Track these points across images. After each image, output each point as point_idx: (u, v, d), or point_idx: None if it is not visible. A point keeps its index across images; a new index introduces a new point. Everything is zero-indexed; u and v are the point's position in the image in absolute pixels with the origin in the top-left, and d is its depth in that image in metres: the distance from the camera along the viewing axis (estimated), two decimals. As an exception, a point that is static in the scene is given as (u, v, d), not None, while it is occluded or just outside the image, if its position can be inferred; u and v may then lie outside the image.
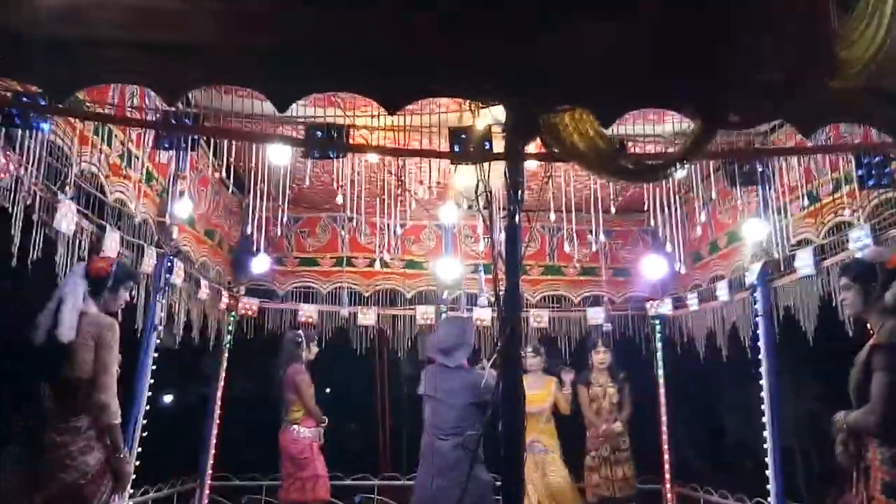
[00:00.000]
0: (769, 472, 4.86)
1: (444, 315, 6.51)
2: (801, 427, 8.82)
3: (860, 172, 3.11)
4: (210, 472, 6.13)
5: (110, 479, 3.14)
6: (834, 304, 4.28)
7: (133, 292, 4.09)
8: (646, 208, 4.93)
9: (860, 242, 3.87)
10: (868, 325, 3.10)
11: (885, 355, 2.73)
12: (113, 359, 3.17)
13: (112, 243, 3.77)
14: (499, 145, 2.75)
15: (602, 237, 5.14)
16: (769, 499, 4.85)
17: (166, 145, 3.41)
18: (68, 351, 3.07)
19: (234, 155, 4.47)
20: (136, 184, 3.96)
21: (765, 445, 4.90)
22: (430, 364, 4.84)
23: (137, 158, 3.96)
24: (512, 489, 2.43)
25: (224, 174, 4.45)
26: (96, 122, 3.38)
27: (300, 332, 5.83)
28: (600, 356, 5.93)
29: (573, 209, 5.00)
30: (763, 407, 4.94)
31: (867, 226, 3.86)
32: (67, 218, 3.37)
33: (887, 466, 2.67)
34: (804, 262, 4.44)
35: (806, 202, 4.40)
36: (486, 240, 5.72)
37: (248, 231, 4.81)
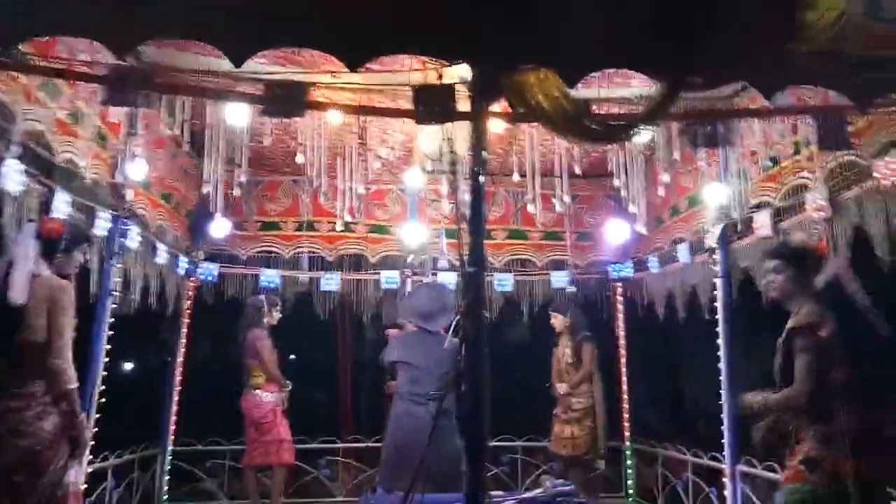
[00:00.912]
0: (724, 429, 5.02)
1: (407, 280, 6.50)
2: (755, 386, 9.14)
3: (819, 134, 3.16)
4: (172, 437, 6.08)
5: (67, 445, 3.08)
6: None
7: (87, 256, 3.96)
8: (608, 170, 4.94)
9: (816, 203, 3.96)
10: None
11: (804, 338, 2.83)
12: (67, 322, 3.09)
13: (62, 204, 3.63)
14: (464, 105, 2.70)
15: (567, 199, 5.16)
16: (724, 453, 5.02)
17: (117, 101, 3.27)
18: (20, 314, 2.98)
19: (189, 114, 4.32)
20: (87, 142, 3.80)
21: (720, 403, 5.05)
22: (399, 330, 4.84)
23: (87, 117, 3.79)
24: (476, 454, 2.46)
25: (180, 134, 4.29)
26: (42, 77, 3.22)
27: (262, 297, 5.77)
28: (556, 321, 6.07)
29: (537, 172, 4.99)
30: (720, 366, 5.08)
31: (824, 187, 3.94)
32: (13, 177, 3.23)
33: (812, 443, 2.77)
34: (762, 223, 4.52)
35: (768, 164, 4.46)
36: (451, 204, 5.69)
37: (206, 193, 4.67)
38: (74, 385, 3.09)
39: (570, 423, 5.87)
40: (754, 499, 4.82)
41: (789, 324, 2.95)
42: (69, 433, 3.08)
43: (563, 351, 6.05)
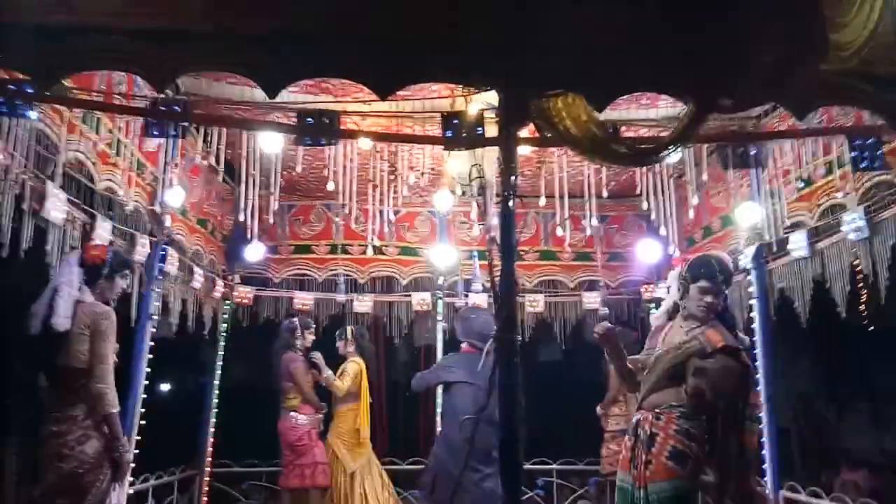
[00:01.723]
0: (765, 453, 4.90)
1: (439, 302, 6.52)
2: (796, 408, 8.91)
3: (853, 155, 3.11)
4: (210, 459, 6.14)
5: (109, 468, 3.15)
6: (828, 286, 4.32)
7: (128, 282, 4.08)
8: (638, 192, 4.92)
9: (854, 224, 3.89)
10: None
11: (736, 359, 3.06)
12: (109, 348, 3.17)
13: (103, 232, 3.75)
14: (491, 130, 2.73)
15: (595, 221, 5.14)
16: (765, 478, 4.89)
17: (155, 133, 3.38)
18: (64, 340, 3.07)
19: (224, 143, 4.44)
20: (126, 172, 3.93)
21: (761, 426, 4.93)
22: (459, 353, 4.84)
23: (126, 147, 3.92)
24: (510, 474, 2.45)
25: (215, 162, 4.41)
26: (83, 110, 3.35)
27: (295, 319, 5.83)
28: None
29: (566, 195, 4.99)
30: (758, 388, 4.96)
31: (861, 208, 3.87)
32: (57, 207, 3.35)
33: (681, 437, 3.00)
34: (798, 244, 4.45)
35: (800, 185, 4.40)
36: (480, 226, 5.72)
37: (241, 219, 4.78)
38: (116, 409, 3.16)
39: (607, 443, 5.88)
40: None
41: (710, 341, 3.09)
42: (111, 456, 3.14)
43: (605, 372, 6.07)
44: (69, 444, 3.02)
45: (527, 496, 6.42)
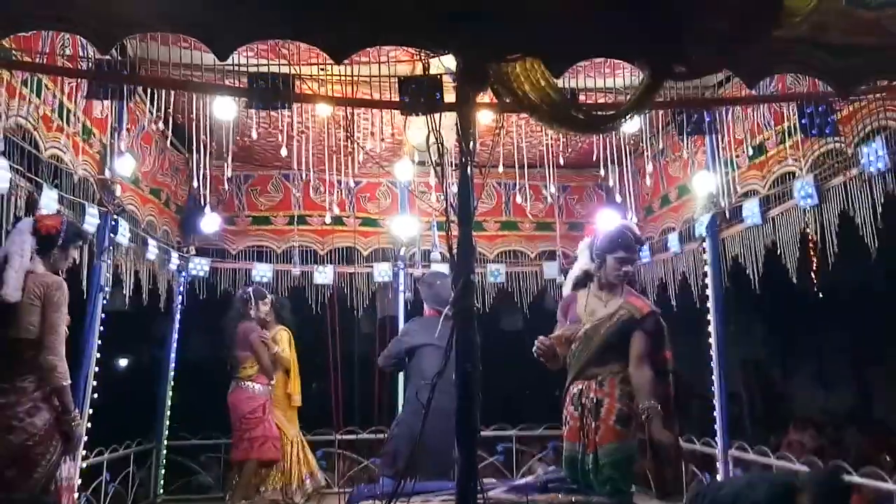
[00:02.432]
0: (716, 414, 5.06)
1: (400, 273, 6.51)
2: (746, 372, 9.22)
3: (803, 122, 3.19)
4: (167, 432, 6.08)
5: (59, 441, 3.09)
6: (779, 253, 4.44)
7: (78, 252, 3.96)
8: (594, 159, 4.96)
9: (804, 192, 3.99)
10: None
11: (655, 322, 3.34)
12: (61, 319, 3.11)
13: (49, 201, 3.61)
14: (450, 97, 2.70)
15: (553, 189, 5.17)
16: (716, 438, 5.07)
17: (101, 96, 3.25)
18: (13, 311, 2.99)
19: (175, 108, 4.30)
20: (73, 138, 3.78)
21: (712, 389, 5.09)
22: (422, 318, 4.87)
23: (72, 112, 3.77)
24: (467, 437, 2.48)
25: (166, 128, 4.27)
26: (25, 73, 3.21)
27: (249, 289, 5.76)
28: None
29: (525, 165, 5.00)
30: (711, 353, 5.11)
31: (811, 176, 3.97)
32: (0, 174, 3.21)
33: (625, 400, 3.27)
34: (751, 212, 4.55)
35: (752, 153, 4.49)
36: (439, 195, 5.70)
37: (195, 185, 4.65)
38: (67, 382, 3.10)
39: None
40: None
41: (637, 307, 3.36)
42: (61, 429, 3.09)
43: None
44: (18, 416, 2.97)
45: (486, 462, 6.51)
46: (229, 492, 5.55)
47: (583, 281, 3.63)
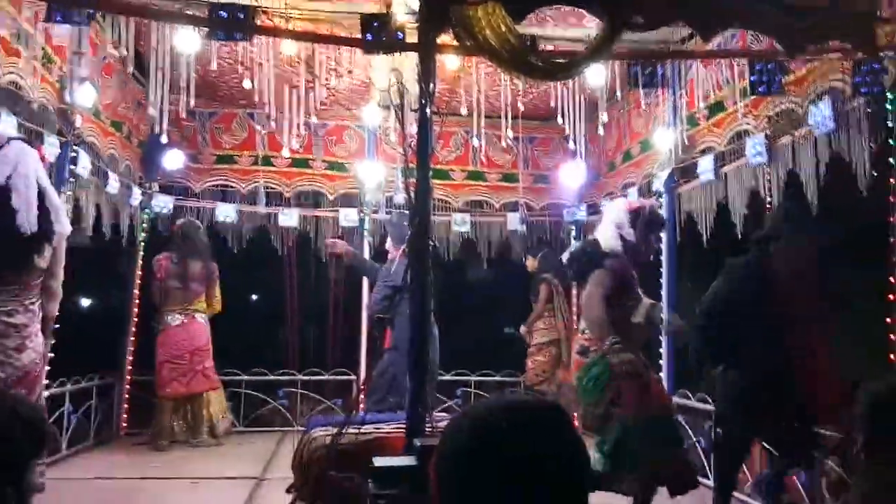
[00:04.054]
0: (663, 363, 5.30)
1: (366, 218, 6.56)
2: (694, 324, 9.52)
3: (752, 79, 3.28)
4: (129, 367, 6.13)
5: None
6: (728, 208, 4.60)
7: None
8: (555, 109, 5.02)
9: (755, 150, 4.12)
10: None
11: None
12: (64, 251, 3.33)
13: (7, 128, 3.56)
14: (413, 38, 2.73)
15: (511, 133, 5.22)
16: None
17: (59, 18, 3.19)
18: (37, 240, 3.09)
19: (136, 37, 4.19)
20: (32, 63, 3.71)
21: (661, 338, 5.31)
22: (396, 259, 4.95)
23: (31, 36, 3.69)
24: (419, 368, 2.61)
25: (128, 56, 4.18)
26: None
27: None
28: (528, 263, 6.38)
29: (482, 110, 5.02)
30: (661, 303, 5.30)
31: (762, 134, 4.10)
32: (-45, 98, 3.17)
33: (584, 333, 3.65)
34: (706, 168, 4.69)
35: (711, 110, 4.60)
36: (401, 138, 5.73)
37: (151, 113, 4.58)
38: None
39: (529, 357, 6.30)
40: (688, 428, 5.13)
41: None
42: None
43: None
44: (30, 337, 3.13)
45: (446, 404, 6.72)
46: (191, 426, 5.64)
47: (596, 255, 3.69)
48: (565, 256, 3.94)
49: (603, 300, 3.48)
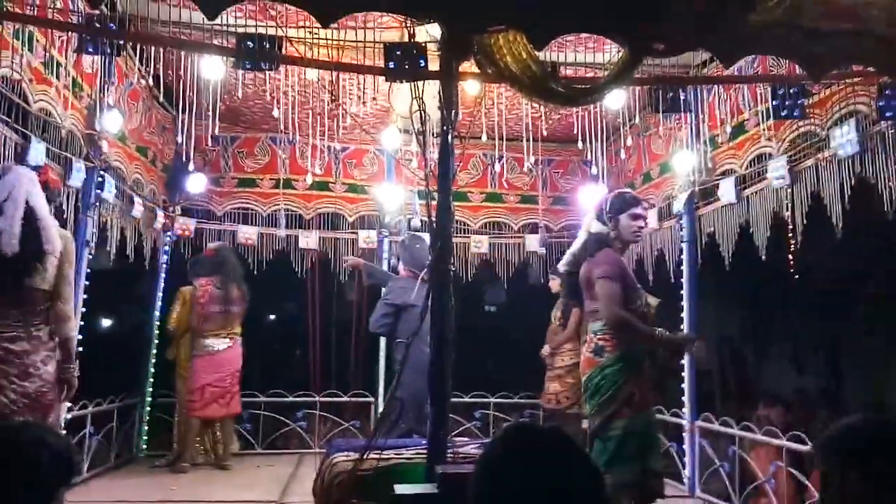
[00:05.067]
0: (685, 387, 5.24)
1: (384, 240, 6.59)
2: (718, 349, 9.44)
3: (775, 103, 3.27)
4: (151, 389, 6.17)
5: (59, 389, 3.22)
6: (751, 231, 4.56)
7: (63, 207, 4.03)
8: (574, 132, 5.04)
9: (777, 172, 4.10)
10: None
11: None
12: (73, 272, 3.24)
13: (37, 154, 3.65)
14: (435, 65, 2.77)
15: (532, 159, 5.23)
16: (684, 410, 5.25)
17: (90, 50, 3.27)
18: (35, 261, 3.04)
19: (163, 65, 4.30)
20: (62, 91, 3.80)
21: (682, 363, 5.25)
22: (402, 278, 4.96)
23: (62, 66, 3.78)
24: (439, 393, 2.60)
25: (153, 84, 4.28)
26: (15, 24, 3.22)
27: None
28: (553, 283, 6.26)
29: (505, 136, 5.05)
30: (682, 327, 5.26)
31: (784, 157, 4.08)
32: (-12, 125, 3.25)
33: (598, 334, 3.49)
34: (727, 190, 4.67)
35: (732, 133, 4.59)
36: (414, 161, 5.77)
37: (181, 147, 4.68)
38: (75, 333, 3.23)
39: (553, 381, 6.10)
40: (711, 452, 5.06)
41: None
42: (61, 377, 3.21)
43: (555, 313, 6.21)
44: (35, 364, 3.07)
45: (464, 427, 6.68)
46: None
47: (597, 246, 3.55)
48: (566, 258, 3.77)
49: (619, 301, 3.36)
